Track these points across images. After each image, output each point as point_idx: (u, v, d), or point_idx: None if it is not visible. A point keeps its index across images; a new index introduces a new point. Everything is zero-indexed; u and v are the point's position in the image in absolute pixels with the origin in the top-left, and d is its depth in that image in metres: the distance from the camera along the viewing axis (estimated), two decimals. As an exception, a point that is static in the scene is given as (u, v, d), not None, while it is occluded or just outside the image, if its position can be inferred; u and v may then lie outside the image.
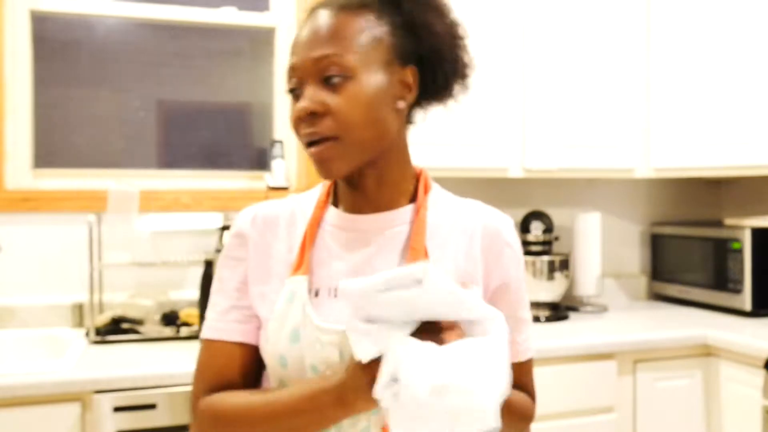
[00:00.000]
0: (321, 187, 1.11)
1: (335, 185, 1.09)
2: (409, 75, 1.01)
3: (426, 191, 1.07)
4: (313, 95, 0.96)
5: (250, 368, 1.04)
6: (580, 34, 2.52)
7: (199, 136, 2.61)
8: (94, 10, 2.46)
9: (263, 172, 2.54)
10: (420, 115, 1.09)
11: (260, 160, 2.65)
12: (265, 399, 0.97)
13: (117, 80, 2.52)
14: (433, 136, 2.34)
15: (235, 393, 1.01)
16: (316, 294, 1.00)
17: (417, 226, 1.02)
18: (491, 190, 2.78)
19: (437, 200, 1.07)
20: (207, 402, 1.02)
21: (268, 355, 1.00)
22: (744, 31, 2.41)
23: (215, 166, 2.60)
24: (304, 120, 0.96)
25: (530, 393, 1.12)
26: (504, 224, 1.08)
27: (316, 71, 0.96)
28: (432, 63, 1.02)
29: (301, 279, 1.00)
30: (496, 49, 2.43)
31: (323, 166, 0.98)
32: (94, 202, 2.33)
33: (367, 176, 1.02)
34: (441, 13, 1.03)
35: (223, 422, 1.00)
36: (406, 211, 1.04)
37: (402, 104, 1.01)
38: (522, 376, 1.08)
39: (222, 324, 1.05)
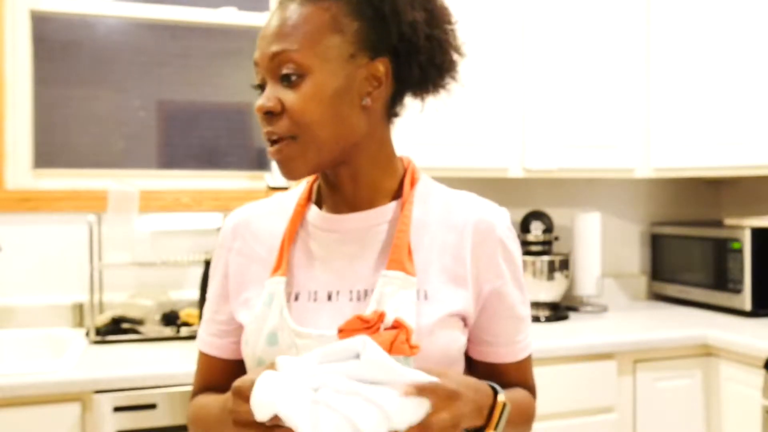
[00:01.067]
0: (305, 184, 1.07)
1: (318, 185, 1.06)
2: (380, 68, 0.95)
3: (412, 185, 1.02)
4: (270, 93, 0.94)
5: (232, 378, 1.03)
6: (580, 34, 2.52)
7: (199, 136, 2.61)
8: (94, 10, 2.46)
9: (263, 172, 2.55)
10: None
11: (260, 160, 2.66)
12: (208, 403, 1.03)
13: (117, 80, 2.52)
14: (433, 136, 2.34)
15: (203, 396, 1.07)
16: (296, 298, 0.98)
17: (401, 223, 0.97)
18: (491, 190, 2.77)
19: (426, 194, 1.03)
20: (190, 405, 1.10)
21: (247, 357, 1.00)
22: (743, 31, 2.41)
23: (215, 166, 2.60)
24: (263, 119, 0.94)
25: (531, 389, 1.10)
26: (498, 219, 1.02)
27: (273, 68, 0.94)
28: (406, 54, 0.96)
29: (279, 280, 0.98)
30: (495, 49, 2.43)
31: (282, 166, 0.95)
32: (94, 202, 2.33)
33: (341, 175, 0.99)
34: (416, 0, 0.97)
35: (192, 423, 1.08)
36: (389, 208, 1.00)
37: (368, 101, 0.95)
38: (523, 374, 1.08)
39: (203, 335, 1.11)
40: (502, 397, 0.93)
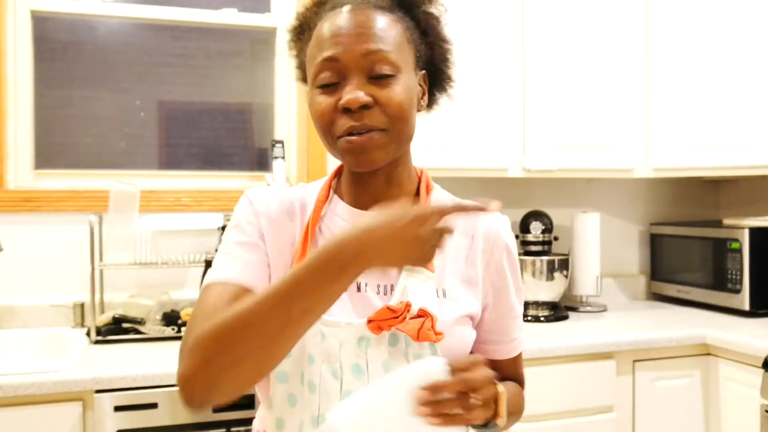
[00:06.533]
0: (322, 182, 1.11)
1: (338, 181, 1.10)
2: (423, 80, 1.06)
3: (428, 192, 1.09)
4: (361, 88, 0.95)
5: None
6: (580, 34, 2.53)
7: (199, 136, 2.62)
8: (95, 11, 2.47)
9: (264, 173, 2.55)
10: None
11: (261, 161, 2.66)
12: (268, 288, 0.83)
13: (118, 81, 2.53)
14: (434, 137, 2.35)
15: (231, 305, 0.86)
16: None
17: None
18: (491, 190, 2.79)
19: (438, 201, 1.10)
20: (201, 329, 0.84)
21: None
22: (743, 32, 2.42)
23: (216, 167, 2.61)
24: (352, 111, 0.95)
25: (521, 381, 1.19)
26: (503, 226, 1.11)
27: (366, 65, 0.96)
28: (440, 69, 1.09)
29: None
30: (496, 50, 2.44)
31: (365, 155, 0.97)
32: (95, 202, 2.34)
33: (379, 175, 1.04)
34: (442, 23, 1.08)
35: (228, 336, 0.82)
36: None
37: (422, 104, 1.06)
38: (516, 368, 1.18)
39: (230, 265, 0.97)
40: (501, 387, 0.98)
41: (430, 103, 1.11)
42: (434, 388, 0.84)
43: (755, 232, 2.51)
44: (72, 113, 2.49)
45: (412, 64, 1.02)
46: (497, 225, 1.10)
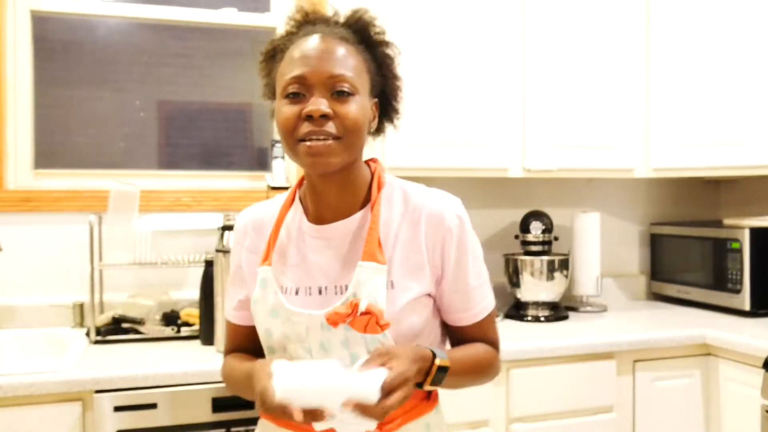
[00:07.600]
0: (289, 191, 1.32)
1: (301, 191, 1.29)
2: (375, 106, 1.25)
3: (379, 189, 1.25)
4: (323, 101, 1.14)
5: (252, 338, 1.31)
6: (580, 34, 2.53)
7: (199, 136, 2.62)
8: (95, 11, 2.47)
9: (263, 172, 2.55)
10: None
11: (260, 161, 2.66)
12: (233, 368, 1.31)
13: (118, 81, 2.53)
14: (434, 137, 2.35)
15: (233, 359, 1.34)
16: (296, 293, 1.23)
17: (371, 221, 1.20)
18: (491, 190, 2.79)
19: (390, 195, 1.25)
20: (223, 362, 1.38)
21: (258, 327, 1.27)
22: (743, 32, 2.42)
23: (216, 167, 2.61)
24: (313, 119, 1.13)
25: (492, 342, 1.33)
26: (447, 209, 1.23)
27: (330, 84, 1.15)
28: (390, 102, 1.28)
29: (267, 269, 1.24)
30: (495, 50, 2.44)
31: (322, 158, 1.14)
32: (95, 202, 2.34)
33: (332, 182, 1.21)
34: (396, 62, 1.27)
35: (225, 379, 1.37)
36: (361, 214, 1.23)
37: (372, 126, 1.24)
38: (482, 331, 1.31)
39: (228, 308, 1.38)
40: (437, 361, 1.16)
41: (379, 130, 1.29)
42: (362, 409, 1.02)
43: (755, 232, 2.50)
44: (72, 113, 2.49)
45: (368, 90, 1.20)
46: (441, 207, 1.23)
